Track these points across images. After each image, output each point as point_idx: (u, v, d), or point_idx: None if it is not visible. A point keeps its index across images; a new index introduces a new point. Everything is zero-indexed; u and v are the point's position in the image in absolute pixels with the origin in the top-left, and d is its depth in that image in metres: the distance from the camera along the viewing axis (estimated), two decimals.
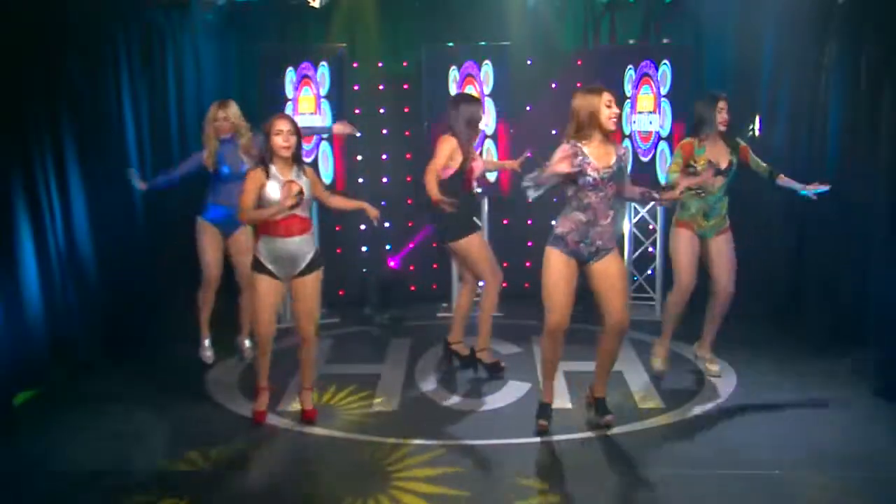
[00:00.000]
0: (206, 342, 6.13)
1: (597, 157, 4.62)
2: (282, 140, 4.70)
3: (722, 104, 5.44)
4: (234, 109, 5.85)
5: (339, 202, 5.23)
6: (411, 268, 7.82)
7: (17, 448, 4.71)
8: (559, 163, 4.48)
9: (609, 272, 4.70)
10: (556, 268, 4.68)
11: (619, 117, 4.89)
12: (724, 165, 5.43)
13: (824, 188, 5.37)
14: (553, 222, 5.27)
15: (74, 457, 4.55)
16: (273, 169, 4.74)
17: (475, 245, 5.71)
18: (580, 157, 4.58)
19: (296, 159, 4.80)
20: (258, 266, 4.83)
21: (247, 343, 6.17)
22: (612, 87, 5.08)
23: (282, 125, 4.73)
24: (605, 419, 4.87)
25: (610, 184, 4.64)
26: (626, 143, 7.02)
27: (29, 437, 4.83)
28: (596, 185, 4.61)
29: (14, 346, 5.12)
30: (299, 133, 4.82)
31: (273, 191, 4.71)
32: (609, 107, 4.61)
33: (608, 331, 4.74)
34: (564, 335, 4.77)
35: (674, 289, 5.62)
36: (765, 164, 5.57)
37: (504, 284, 5.91)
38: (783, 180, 5.54)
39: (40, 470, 4.42)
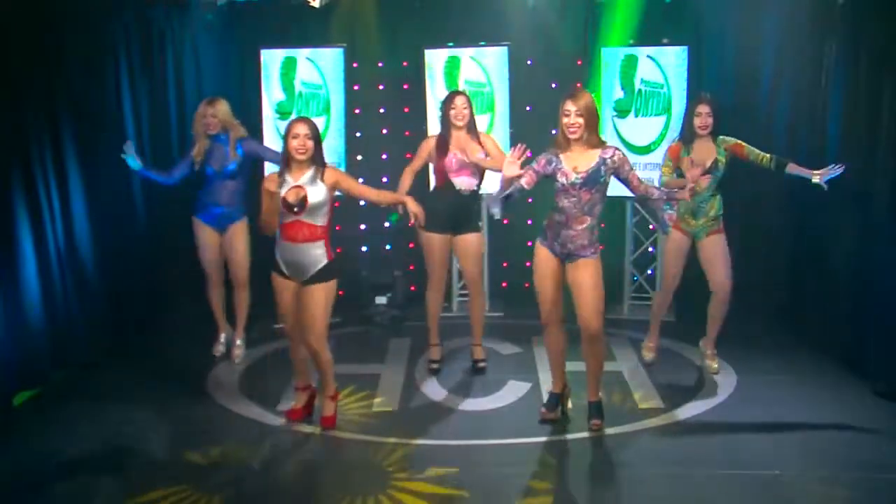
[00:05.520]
0: (222, 337, 6.21)
1: (571, 162, 4.60)
2: (297, 143, 4.65)
3: (701, 108, 5.44)
4: (222, 107, 5.81)
5: (374, 195, 4.97)
6: (411, 267, 7.81)
7: (17, 448, 4.71)
8: (508, 167, 4.47)
9: (578, 280, 4.67)
10: (541, 262, 4.77)
11: (586, 125, 4.55)
12: (708, 164, 5.37)
13: (836, 172, 5.20)
14: None
15: (74, 457, 4.55)
16: (287, 173, 4.69)
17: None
18: (553, 164, 4.61)
19: (315, 163, 4.71)
20: (273, 265, 4.86)
21: (238, 342, 6.16)
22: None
23: (298, 129, 4.67)
24: (592, 422, 4.85)
25: (584, 189, 4.59)
26: None
27: (29, 437, 4.83)
28: (566, 191, 4.61)
29: (14, 346, 5.12)
30: (318, 137, 4.74)
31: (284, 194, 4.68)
32: (566, 115, 4.55)
33: (581, 334, 4.75)
34: (560, 327, 4.82)
35: (660, 288, 5.72)
36: (768, 155, 5.36)
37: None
38: (794, 168, 5.33)
39: (40, 470, 4.41)
